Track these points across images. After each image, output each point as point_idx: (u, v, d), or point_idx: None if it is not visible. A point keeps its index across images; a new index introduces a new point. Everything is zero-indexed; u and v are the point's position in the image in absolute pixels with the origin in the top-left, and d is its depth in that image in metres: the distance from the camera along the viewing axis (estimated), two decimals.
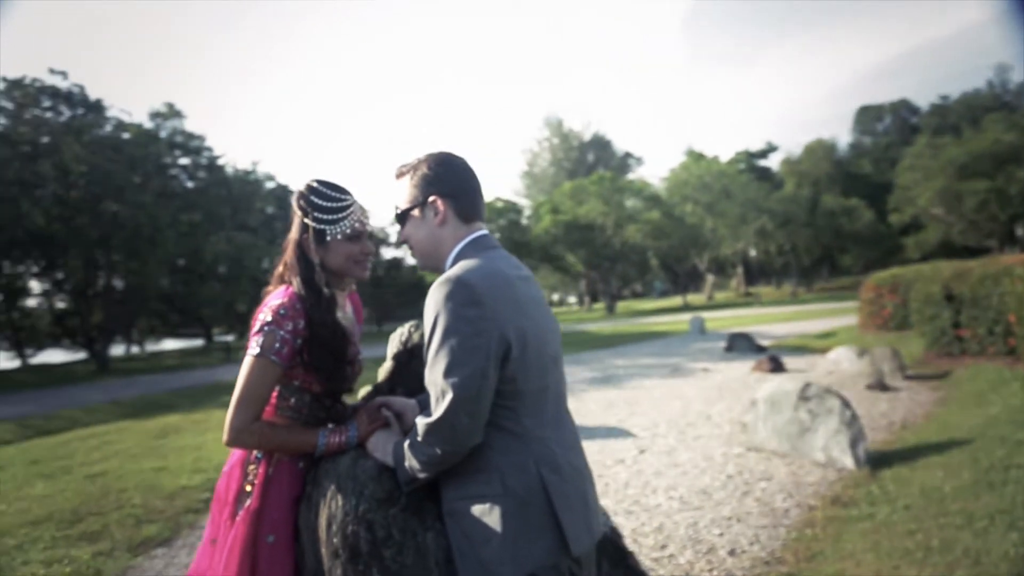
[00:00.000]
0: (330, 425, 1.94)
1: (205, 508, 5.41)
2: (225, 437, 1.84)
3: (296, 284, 1.94)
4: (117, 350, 45.56)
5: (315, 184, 1.98)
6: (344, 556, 1.70)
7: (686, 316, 30.27)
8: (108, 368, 26.84)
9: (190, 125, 35.59)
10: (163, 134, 25.87)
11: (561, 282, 52.18)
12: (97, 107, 22.26)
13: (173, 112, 26.18)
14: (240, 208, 29.46)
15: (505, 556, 1.57)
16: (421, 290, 48.14)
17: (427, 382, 1.65)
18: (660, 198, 46.11)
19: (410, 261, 46.68)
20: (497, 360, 1.59)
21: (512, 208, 42.94)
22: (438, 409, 1.59)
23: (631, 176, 61.60)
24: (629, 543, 2.86)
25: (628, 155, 71.83)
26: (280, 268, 2.02)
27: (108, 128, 23.33)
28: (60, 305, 30.08)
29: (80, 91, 21.95)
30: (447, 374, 1.56)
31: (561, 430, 1.76)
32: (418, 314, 1.85)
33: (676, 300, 56.46)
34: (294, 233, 1.99)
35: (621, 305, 56.13)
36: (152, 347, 49.80)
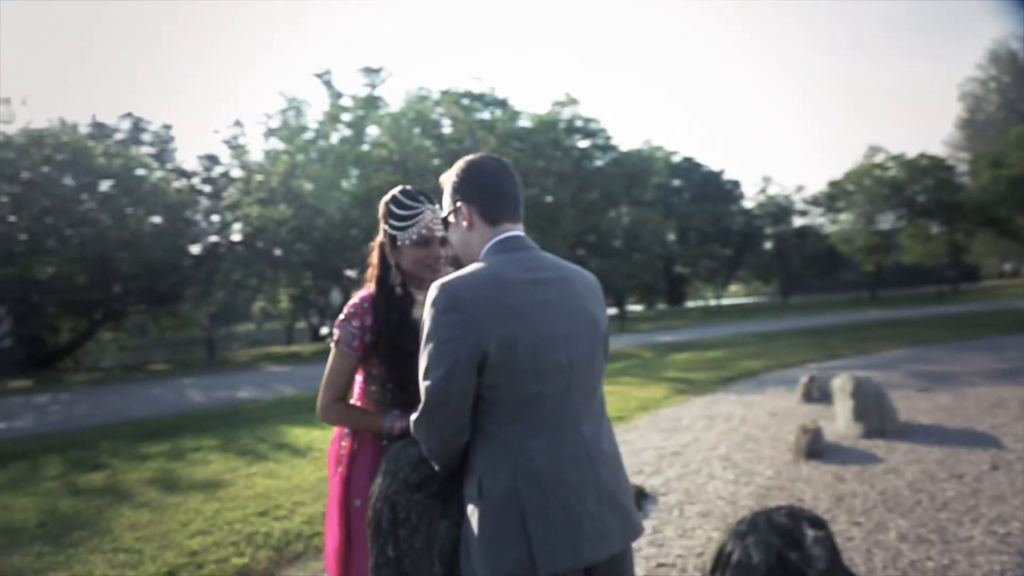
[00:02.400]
0: (396, 412, 2.11)
1: None
2: (318, 413, 2.19)
3: (373, 284, 2.17)
4: None
5: (396, 193, 2.22)
6: (371, 529, 1.87)
7: None
8: None
9: (585, 110, 38.24)
10: (562, 121, 28.27)
11: (1008, 250, 43.56)
12: (504, 103, 25.44)
13: (571, 100, 28.47)
14: (635, 184, 30.82)
15: (479, 558, 1.61)
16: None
17: None
18: None
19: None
20: (471, 365, 1.59)
21: (939, 165, 37.12)
22: (418, 408, 1.67)
23: None
24: None
25: None
26: (369, 269, 2.24)
27: (519, 121, 26.43)
28: None
29: (491, 92, 25.40)
30: (424, 376, 1.64)
31: (557, 441, 1.66)
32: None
33: None
34: (379, 237, 2.20)
35: None
36: None
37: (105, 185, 24.53)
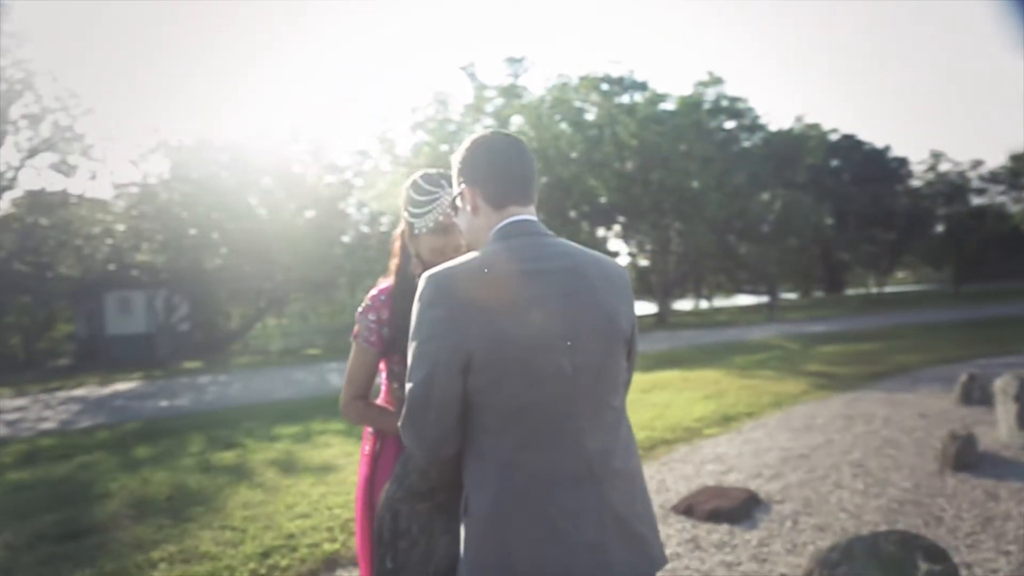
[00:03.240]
0: None
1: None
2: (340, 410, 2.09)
3: (393, 275, 2.04)
4: (687, 304, 50.32)
5: (416, 178, 2.07)
6: (374, 538, 1.79)
7: None
8: (666, 320, 29.81)
9: (731, 89, 36.51)
10: (706, 102, 27.12)
11: None
12: (643, 86, 24.75)
13: (715, 79, 27.20)
14: (785, 165, 29.10)
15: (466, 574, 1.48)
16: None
17: None
18: None
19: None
20: (453, 368, 1.43)
21: None
22: (402, 413, 1.53)
23: None
24: None
25: None
26: (391, 260, 2.11)
27: (661, 104, 25.70)
28: (643, 263, 34.63)
29: (630, 75, 24.75)
30: (408, 377, 1.49)
31: (552, 457, 1.45)
32: None
33: None
34: (400, 225, 2.06)
35: None
36: (721, 303, 53.38)
37: (265, 182, 26.34)
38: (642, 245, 32.67)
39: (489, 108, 28.63)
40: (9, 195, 22.61)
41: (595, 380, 1.49)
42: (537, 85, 28.42)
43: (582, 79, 26.22)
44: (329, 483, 5.66)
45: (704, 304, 52.22)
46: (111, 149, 29.54)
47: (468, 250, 1.69)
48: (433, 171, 2.05)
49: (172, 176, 23.77)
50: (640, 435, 6.71)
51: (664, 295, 32.03)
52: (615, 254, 35.01)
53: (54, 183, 24.07)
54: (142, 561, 4.10)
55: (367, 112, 61.24)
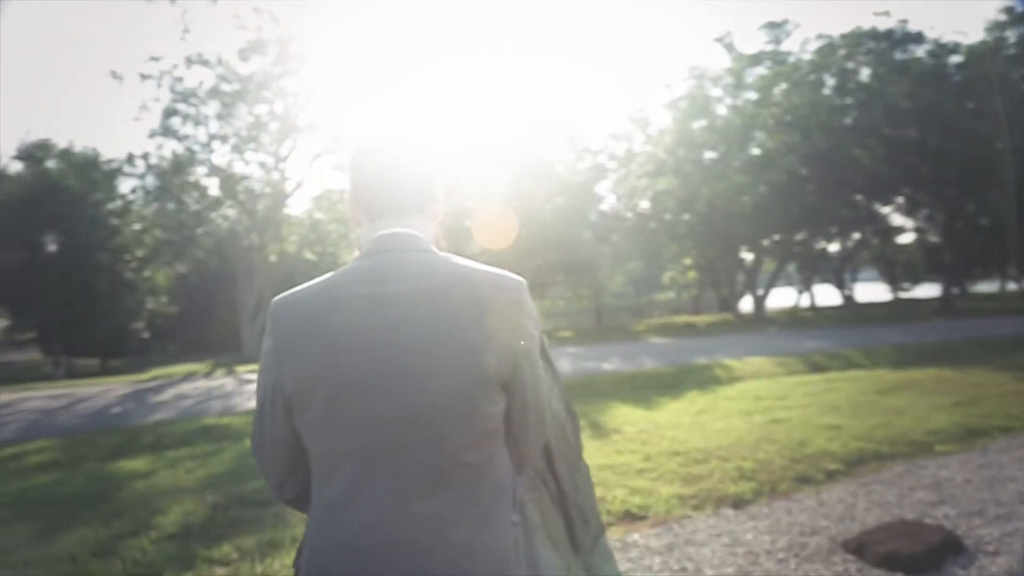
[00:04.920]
0: None
1: (800, 485, 5.00)
2: None
3: None
4: (991, 287, 43.34)
5: None
6: None
7: None
8: (953, 306, 26.10)
9: None
10: (1008, 46, 22.74)
11: None
12: (919, 38, 21.41)
13: (1016, 17, 22.66)
14: None
15: None
16: None
17: None
18: None
19: None
20: (277, 407, 1.30)
21: None
22: None
23: None
24: None
25: None
26: None
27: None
28: (932, 240, 30.61)
29: (902, 27, 21.57)
30: None
31: (360, 520, 1.21)
32: None
33: None
34: None
35: None
36: None
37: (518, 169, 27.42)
38: (931, 219, 28.81)
39: (749, 78, 27.12)
40: (297, 195, 26.21)
41: (436, 429, 1.22)
42: (798, 50, 26.04)
43: (843, 37, 23.50)
44: None
45: (1013, 286, 44.63)
46: None
47: None
48: None
49: None
50: (849, 446, 5.83)
51: (957, 276, 27.98)
52: (899, 230, 31.21)
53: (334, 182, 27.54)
54: (298, 534, 4.30)
55: (620, 93, 60.90)
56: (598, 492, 4.75)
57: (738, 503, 4.71)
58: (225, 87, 22.05)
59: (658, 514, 4.52)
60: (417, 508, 1.20)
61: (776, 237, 27.77)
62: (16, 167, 27.19)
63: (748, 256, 30.57)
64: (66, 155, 26.53)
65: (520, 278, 1.34)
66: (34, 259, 24.60)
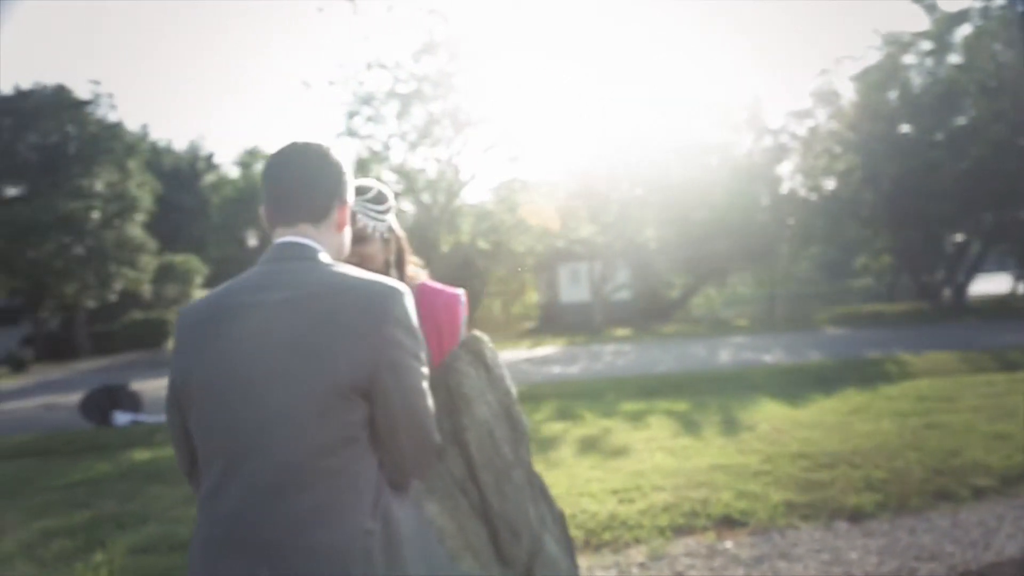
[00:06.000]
0: None
1: (936, 502, 4.51)
2: None
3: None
4: None
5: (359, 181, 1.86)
6: None
7: None
8: None
9: None
10: None
11: None
12: None
13: None
14: None
15: None
16: None
17: None
18: None
19: None
20: (172, 405, 1.46)
21: None
22: None
23: None
24: None
25: None
26: None
27: None
28: None
29: None
30: None
31: (219, 517, 1.32)
32: None
33: None
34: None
35: None
36: None
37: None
38: None
39: (955, 39, 24.31)
40: (472, 186, 27.09)
41: (290, 432, 1.29)
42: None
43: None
44: (607, 468, 5.65)
45: None
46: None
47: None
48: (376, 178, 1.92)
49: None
50: (1013, 459, 5.16)
51: None
52: None
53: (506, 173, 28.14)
54: None
55: (803, 67, 56.54)
56: (703, 494, 4.68)
57: (856, 516, 4.35)
58: (401, 88, 23.23)
59: (760, 522, 4.29)
60: (272, 507, 1.27)
61: (985, 217, 24.75)
62: (234, 172, 30.50)
63: (958, 237, 27.44)
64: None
65: (398, 286, 1.37)
66: (239, 254, 27.59)
